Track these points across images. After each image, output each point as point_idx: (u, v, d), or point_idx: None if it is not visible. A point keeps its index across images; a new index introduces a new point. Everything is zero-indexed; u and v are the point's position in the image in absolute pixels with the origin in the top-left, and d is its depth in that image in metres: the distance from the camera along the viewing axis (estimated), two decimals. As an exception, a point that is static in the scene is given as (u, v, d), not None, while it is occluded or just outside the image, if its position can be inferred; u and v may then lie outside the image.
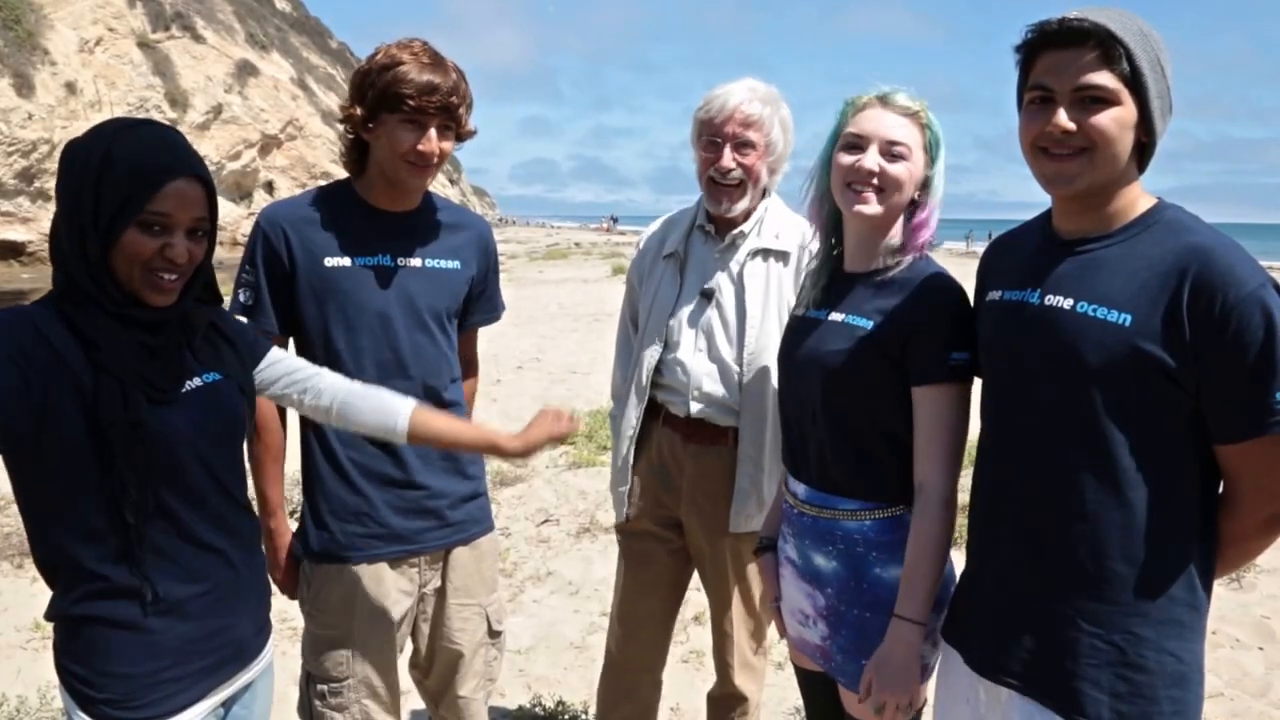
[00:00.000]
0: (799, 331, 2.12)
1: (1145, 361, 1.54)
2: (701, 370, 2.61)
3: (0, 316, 1.62)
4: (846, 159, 2.00)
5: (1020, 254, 1.81)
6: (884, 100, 2.01)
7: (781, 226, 2.64)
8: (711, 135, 2.53)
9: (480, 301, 2.54)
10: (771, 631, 2.78)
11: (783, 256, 2.61)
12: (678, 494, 2.70)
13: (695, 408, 2.61)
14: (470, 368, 2.67)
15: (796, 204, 2.27)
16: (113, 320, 1.63)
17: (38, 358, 1.57)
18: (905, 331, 1.94)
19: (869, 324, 1.97)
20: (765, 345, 2.57)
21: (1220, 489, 1.65)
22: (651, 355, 2.66)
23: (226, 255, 21.47)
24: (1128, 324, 1.55)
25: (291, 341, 2.35)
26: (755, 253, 2.61)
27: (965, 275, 1.99)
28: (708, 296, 2.62)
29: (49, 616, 1.70)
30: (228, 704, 1.84)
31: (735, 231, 2.62)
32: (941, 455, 1.94)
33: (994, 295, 1.82)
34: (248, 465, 2.19)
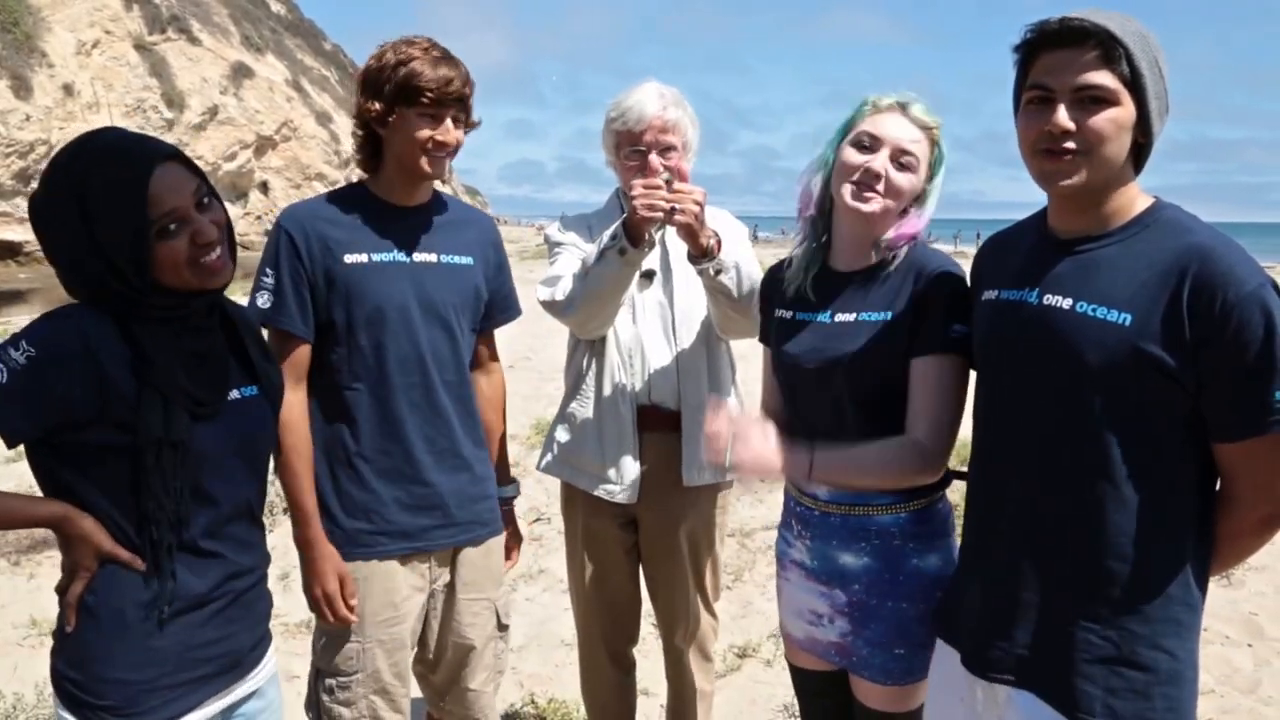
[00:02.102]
0: (801, 335, 2.11)
1: (1145, 361, 1.54)
2: (654, 352, 2.67)
3: (52, 322, 1.60)
4: (857, 157, 2.02)
5: (1016, 253, 1.80)
6: (904, 108, 2.03)
7: None
8: (634, 146, 2.58)
9: (497, 300, 2.55)
10: (757, 629, 2.79)
11: None
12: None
13: (652, 392, 2.66)
14: (489, 365, 2.66)
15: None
16: (166, 329, 1.65)
17: (82, 370, 1.56)
18: (913, 311, 1.98)
19: (887, 315, 2.00)
20: (692, 312, 2.67)
21: (1218, 488, 1.66)
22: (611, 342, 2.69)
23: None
24: (1128, 324, 1.55)
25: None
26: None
27: (956, 275, 2.02)
28: (649, 277, 2.68)
29: (60, 590, 1.69)
30: (225, 713, 1.83)
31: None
32: (932, 414, 1.95)
33: (990, 294, 1.82)
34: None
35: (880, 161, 2.00)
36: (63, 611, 1.68)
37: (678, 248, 2.66)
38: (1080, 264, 1.65)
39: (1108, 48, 1.55)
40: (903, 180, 2.01)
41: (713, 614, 2.92)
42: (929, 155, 2.04)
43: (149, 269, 1.60)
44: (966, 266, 2.06)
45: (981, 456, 1.84)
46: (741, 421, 1.92)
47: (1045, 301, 1.67)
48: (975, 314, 1.89)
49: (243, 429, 1.77)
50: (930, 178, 2.06)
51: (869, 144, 2.02)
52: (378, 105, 2.23)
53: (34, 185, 1.70)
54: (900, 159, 2.00)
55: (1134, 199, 1.65)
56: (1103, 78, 1.56)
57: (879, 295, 2.03)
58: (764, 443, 1.90)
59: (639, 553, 2.85)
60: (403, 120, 2.23)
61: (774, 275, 2.27)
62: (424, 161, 2.26)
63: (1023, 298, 1.72)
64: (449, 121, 2.25)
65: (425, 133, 2.23)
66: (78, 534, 1.62)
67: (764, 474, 1.91)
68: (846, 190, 2.02)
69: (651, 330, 2.68)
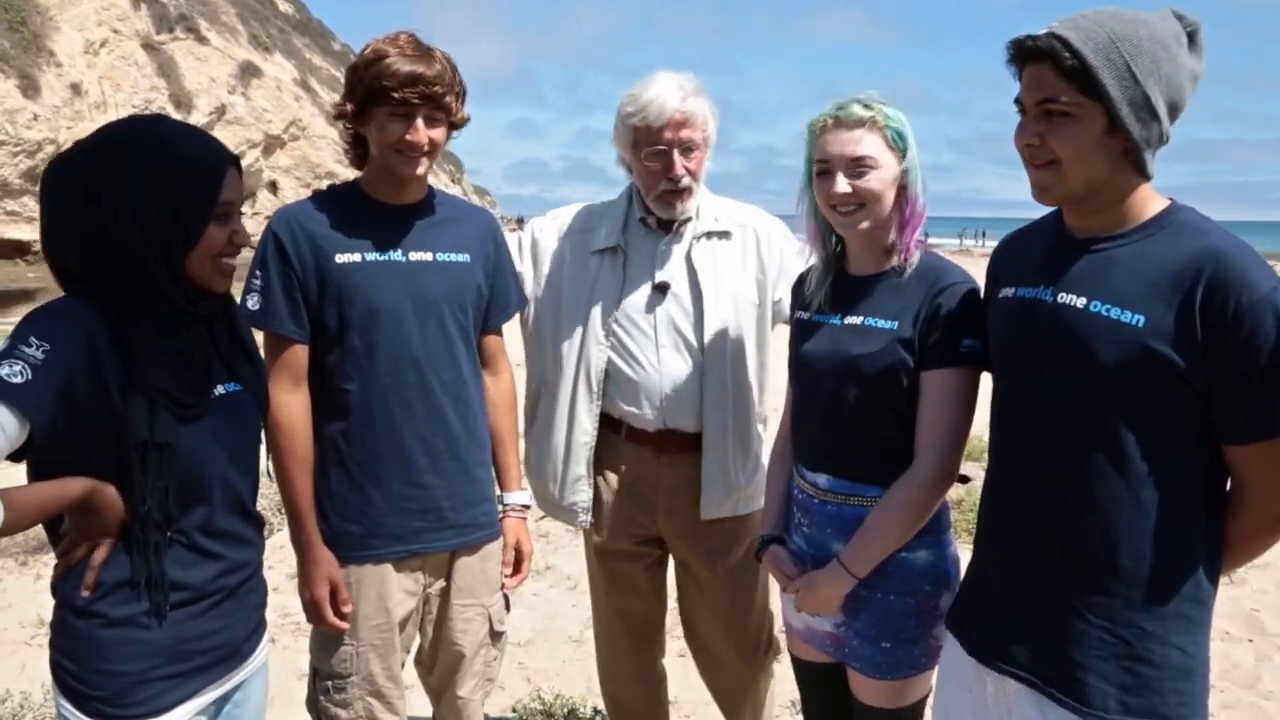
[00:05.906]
0: (815, 335, 2.14)
1: (1157, 361, 1.55)
2: (668, 374, 2.53)
3: (56, 318, 1.59)
4: (824, 186, 2.06)
5: (1033, 252, 1.82)
6: (838, 119, 2.04)
7: (717, 209, 2.63)
8: (654, 144, 2.43)
9: (497, 296, 2.49)
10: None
11: (724, 236, 2.60)
12: (653, 511, 2.63)
13: (667, 417, 2.55)
14: (497, 366, 2.56)
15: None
16: (156, 328, 1.65)
17: (84, 363, 1.56)
18: (924, 323, 2.00)
19: (894, 324, 2.02)
20: (721, 330, 2.53)
21: (1228, 487, 1.67)
22: (599, 359, 2.56)
23: (231, 255, 21.31)
24: (1140, 324, 1.56)
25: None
26: (698, 238, 2.58)
27: (963, 273, 2.04)
28: (662, 290, 2.54)
29: (54, 594, 1.71)
30: (219, 703, 1.85)
31: (681, 221, 2.58)
32: (939, 437, 1.99)
33: (1006, 292, 1.83)
34: (271, 472, 2.21)
35: (840, 184, 2.02)
36: (66, 595, 1.68)
37: (704, 260, 2.55)
38: (1095, 263, 1.66)
39: (1062, 61, 1.56)
40: (870, 183, 2.02)
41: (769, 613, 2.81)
42: (883, 141, 2.03)
43: (194, 242, 1.66)
44: (971, 265, 2.06)
45: (997, 453, 1.85)
46: (811, 577, 2.11)
47: (1060, 300, 1.68)
48: (991, 312, 1.91)
49: (230, 425, 1.77)
50: (901, 155, 2.05)
51: (825, 169, 2.05)
52: (349, 106, 2.23)
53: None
54: (856, 168, 2.02)
55: (1147, 200, 1.66)
56: (1058, 91, 1.57)
57: (889, 302, 2.05)
58: (827, 595, 2.08)
59: (661, 565, 2.79)
60: (374, 120, 2.21)
61: (800, 282, 2.29)
62: (396, 162, 2.23)
63: (1038, 296, 1.73)
64: (420, 121, 2.19)
65: (396, 133, 2.19)
66: (105, 503, 1.62)
67: (827, 611, 2.12)
68: (832, 218, 2.08)
69: (669, 347, 2.53)
